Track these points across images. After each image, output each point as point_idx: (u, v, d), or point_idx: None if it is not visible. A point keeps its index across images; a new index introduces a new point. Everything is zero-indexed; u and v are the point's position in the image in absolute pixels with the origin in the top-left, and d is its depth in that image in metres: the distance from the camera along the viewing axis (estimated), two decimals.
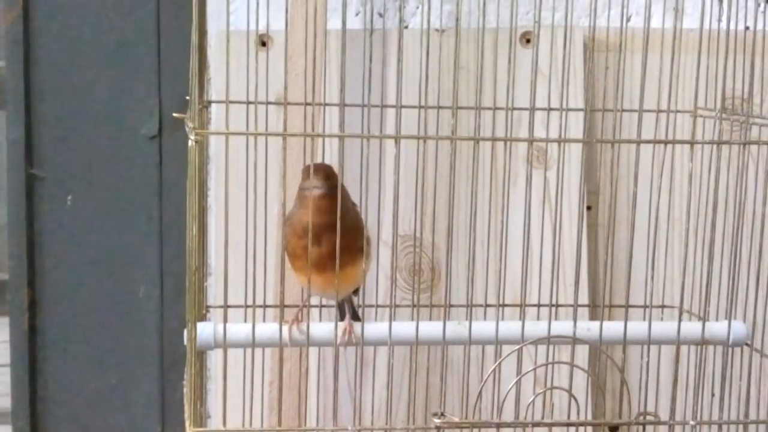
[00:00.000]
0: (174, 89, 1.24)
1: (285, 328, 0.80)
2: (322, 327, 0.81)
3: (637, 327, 0.82)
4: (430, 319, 0.99)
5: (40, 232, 1.25)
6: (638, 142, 0.76)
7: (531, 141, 0.72)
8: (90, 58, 1.23)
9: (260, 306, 0.95)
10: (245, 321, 0.86)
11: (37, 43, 1.23)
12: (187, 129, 0.75)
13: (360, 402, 0.84)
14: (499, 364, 0.75)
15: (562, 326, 0.80)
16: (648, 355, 0.80)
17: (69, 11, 1.22)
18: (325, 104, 1.06)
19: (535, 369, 0.78)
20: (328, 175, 0.80)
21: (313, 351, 1.05)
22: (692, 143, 0.76)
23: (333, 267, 0.78)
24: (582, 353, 1.02)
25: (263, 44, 1.12)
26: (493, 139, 0.77)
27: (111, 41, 1.23)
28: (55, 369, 1.27)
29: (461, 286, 1.08)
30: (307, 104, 0.90)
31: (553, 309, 0.98)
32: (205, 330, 0.78)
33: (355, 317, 0.91)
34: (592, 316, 1.10)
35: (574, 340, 0.77)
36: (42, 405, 1.27)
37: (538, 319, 0.97)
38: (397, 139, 0.73)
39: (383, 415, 1.07)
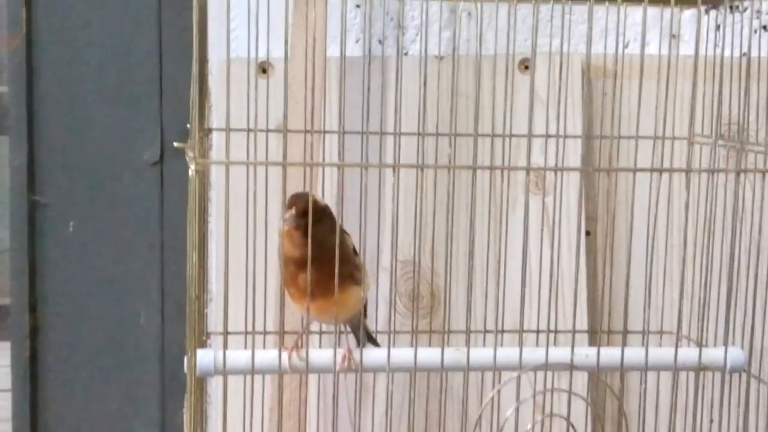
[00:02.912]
0: (175, 115, 1.25)
1: (285, 354, 0.81)
2: (322, 353, 0.82)
3: (634, 353, 0.82)
4: (430, 345, 0.99)
5: (42, 258, 1.25)
6: (635, 171, 0.76)
7: (528, 170, 0.72)
8: (92, 85, 1.25)
9: (260, 333, 0.95)
10: (246, 347, 0.87)
11: (40, 69, 1.24)
12: (187, 158, 0.76)
13: (359, 429, 0.84)
14: (498, 391, 0.75)
15: (561, 353, 0.80)
16: (645, 382, 0.80)
17: (72, 38, 1.24)
18: (325, 131, 1.07)
19: (534, 396, 0.78)
20: (302, 208, 0.80)
21: (313, 377, 1.05)
22: (688, 171, 0.77)
23: (321, 295, 0.80)
24: (581, 379, 1.02)
25: (264, 71, 1.13)
26: (491, 168, 0.78)
27: (113, 68, 1.25)
28: (56, 395, 1.27)
29: (461, 312, 1.08)
30: (306, 132, 0.91)
31: (552, 335, 0.98)
32: (205, 357, 0.79)
33: (373, 343, 0.91)
34: (591, 342, 1.10)
35: (572, 367, 0.77)
36: (43, 431, 1.27)
37: (537, 345, 0.97)
38: (395, 168, 0.74)
39: None
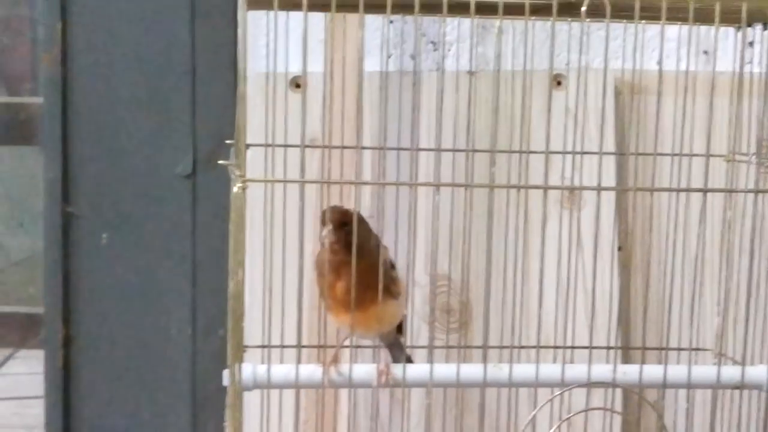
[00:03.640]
0: (208, 128, 1.26)
1: (322, 370, 0.81)
2: (360, 368, 0.82)
3: (674, 371, 0.82)
4: (462, 360, 0.99)
5: (76, 269, 1.26)
6: (677, 191, 0.76)
7: (571, 189, 0.72)
8: (126, 99, 1.26)
9: (295, 346, 0.96)
10: (281, 362, 0.87)
11: (75, 83, 1.25)
12: (232, 176, 0.77)
13: None
14: (540, 408, 0.75)
15: (601, 370, 0.80)
16: (688, 400, 0.80)
17: (106, 52, 1.25)
18: (362, 147, 1.07)
19: (575, 414, 0.78)
20: (338, 221, 0.81)
21: (344, 392, 1.06)
22: (730, 191, 0.76)
23: (358, 307, 0.80)
24: (616, 397, 1.02)
25: (297, 86, 1.14)
26: (508, 186, 0.78)
27: (147, 81, 1.26)
28: (88, 404, 1.28)
29: (493, 327, 1.08)
30: (344, 148, 0.91)
31: (585, 351, 0.98)
32: (245, 371, 0.79)
33: (407, 359, 0.91)
34: (624, 359, 1.10)
35: (615, 384, 0.77)
36: None
37: (572, 361, 0.97)
38: (438, 186, 0.74)
39: None
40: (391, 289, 0.84)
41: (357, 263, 0.79)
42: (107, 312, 1.27)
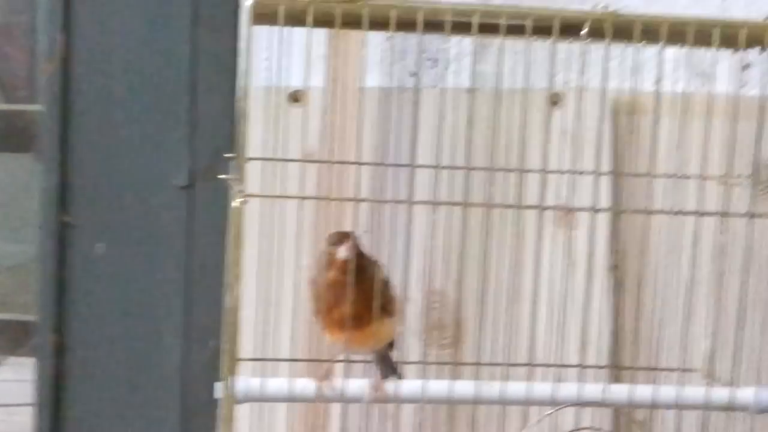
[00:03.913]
0: (205, 140, 1.27)
1: (315, 384, 0.81)
2: (353, 383, 0.82)
3: (664, 391, 0.82)
4: (452, 377, 0.99)
5: (70, 278, 1.26)
6: (671, 213, 0.77)
7: (567, 209, 0.73)
8: (124, 109, 1.26)
9: (288, 360, 0.96)
10: (274, 375, 0.87)
11: (75, 91, 1.26)
12: (231, 190, 0.77)
13: None
14: (531, 428, 0.76)
15: (589, 389, 0.81)
16: (679, 421, 0.80)
17: (106, 63, 1.25)
18: (361, 163, 1.08)
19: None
20: (354, 244, 0.83)
21: (336, 407, 1.06)
22: (724, 215, 0.77)
23: (355, 326, 0.82)
24: (604, 417, 1.02)
25: (296, 101, 1.14)
26: (522, 207, 0.78)
27: (146, 92, 1.26)
28: (78, 412, 1.27)
29: (485, 344, 1.09)
30: (343, 163, 0.92)
31: (575, 370, 0.98)
32: (239, 384, 0.79)
33: (395, 373, 0.92)
34: (612, 378, 1.10)
35: (604, 404, 0.77)
36: None
37: (563, 380, 0.97)
38: (435, 204, 0.75)
39: None
40: (388, 307, 0.85)
41: (361, 282, 0.80)
42: (99, 321, 1.27)
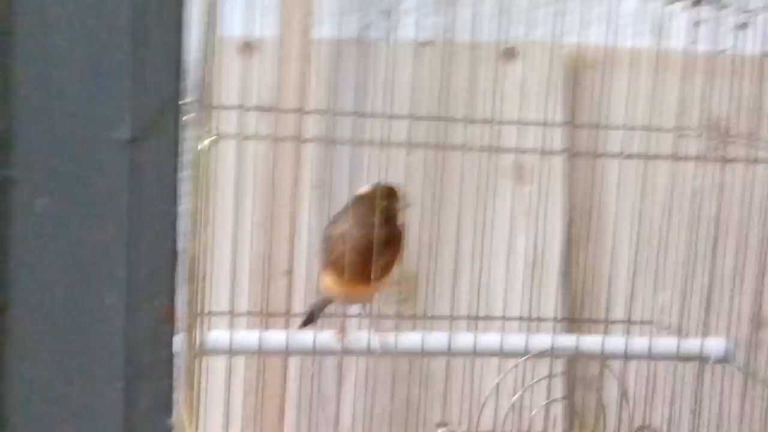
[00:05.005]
0: (149, 93, 1.24)
1: (334, 337, 0.84)
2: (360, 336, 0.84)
3: (615, 342, 0.83)
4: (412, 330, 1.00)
5: (8, 235, 1.23)
6: (621, 157, 0.77)
7: (520, 152, 0.73)
8: (64, 60, 1.23)
9: (258, 314, 0.95)
10: (230, 328, 0.87)
11: (11, 40, 1.22)
12: (194, 132, 0.75)
13: (338, 412, 0.85)
14: (504, 376, 0.77)
15: (543, 340, 0.81)
16: (627, 369, 0.80)
17: (44, 12, 1.21)
18: (337, 114, 1.07)
19: (538, 380, 0.80)
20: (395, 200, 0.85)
21: (293, 361, 1.05)
22: (675, 159, 0.77)
23: (379, 277, 0.84)
24: (558, 369, 1.03)
25: (249, 51, 1.12)
26: (475, 149, 0.78)
27: (86, 43, 1.23)
28: (21, 373, 1.25)
29: (444, 299, 1.09)
30: (308, 112, 0.91)
31: (532, 323, 0.99)
32: (211, 336, 0.78)
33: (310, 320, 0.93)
34: (569, 331, 1.11)
35: (553, 354, 0.78)
36: (7, 409, 1.26)
37: (519, 331, 0.98)
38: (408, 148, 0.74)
39: (365, 425, 1.07)
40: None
41: (391, 239, 0.84)
42: (40, 279, 1.24)
